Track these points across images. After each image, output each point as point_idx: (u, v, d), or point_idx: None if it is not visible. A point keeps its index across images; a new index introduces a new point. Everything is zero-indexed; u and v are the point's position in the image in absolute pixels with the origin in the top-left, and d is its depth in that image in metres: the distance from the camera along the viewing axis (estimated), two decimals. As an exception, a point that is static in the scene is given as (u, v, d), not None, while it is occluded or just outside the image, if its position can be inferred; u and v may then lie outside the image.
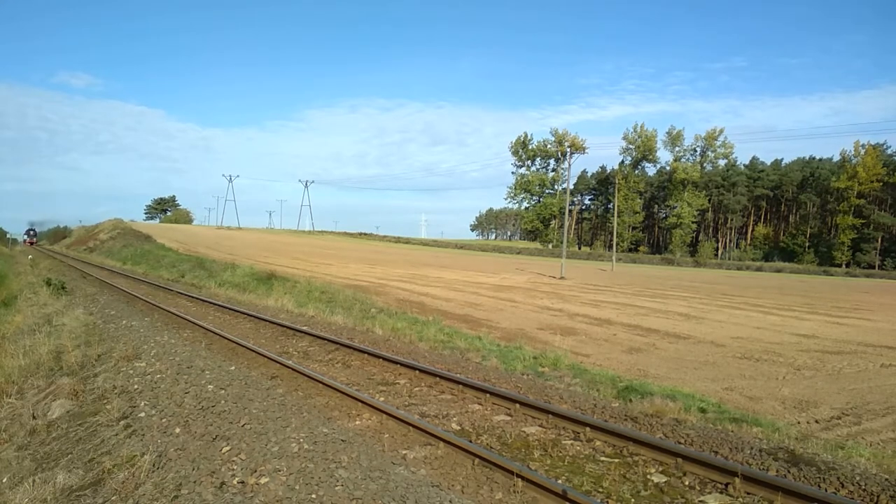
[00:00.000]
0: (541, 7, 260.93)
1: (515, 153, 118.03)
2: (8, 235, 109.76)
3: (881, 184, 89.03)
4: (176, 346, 11.22)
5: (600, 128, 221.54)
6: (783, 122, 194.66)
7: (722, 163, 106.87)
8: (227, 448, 5.82)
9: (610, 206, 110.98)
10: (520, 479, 5.36)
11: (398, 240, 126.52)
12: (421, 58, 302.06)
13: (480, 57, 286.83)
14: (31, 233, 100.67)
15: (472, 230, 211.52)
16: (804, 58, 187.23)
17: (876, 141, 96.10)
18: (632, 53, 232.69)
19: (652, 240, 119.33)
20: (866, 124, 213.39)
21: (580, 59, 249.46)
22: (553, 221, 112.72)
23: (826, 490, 5.44)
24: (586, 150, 67.84)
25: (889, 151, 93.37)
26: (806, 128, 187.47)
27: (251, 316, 16.08)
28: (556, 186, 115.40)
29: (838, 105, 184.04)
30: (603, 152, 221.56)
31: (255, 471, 5.28)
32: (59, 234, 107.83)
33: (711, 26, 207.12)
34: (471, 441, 6.51)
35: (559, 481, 5.57)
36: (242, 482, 5.05)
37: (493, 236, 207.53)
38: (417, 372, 9.77)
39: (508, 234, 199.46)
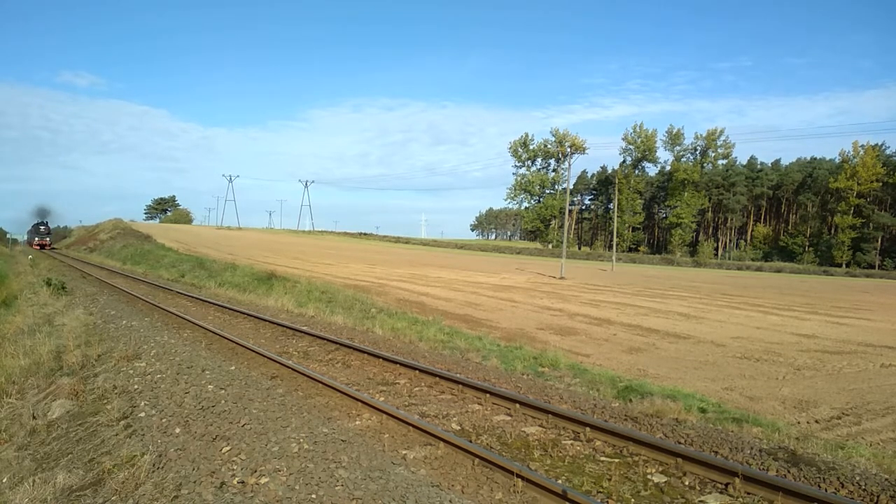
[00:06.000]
0: (546, 7, 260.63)
1: (515, 153, 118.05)
2: (8, 235, 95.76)
3: (881, 184, 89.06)
4: (176, 346, 11.22)
5: (604, 128, 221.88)
6: (787, 122, 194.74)
7: (722, 163, 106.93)
8: (228, 448, 5.82)
9: (610, 206, 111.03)
10: (520, 479, 5.36)
11: (398, 240, 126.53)
12: (426, 57, 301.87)
13: (485, 57, 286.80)
14: (43, 228, 71.30)
15: (473, 230, 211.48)
16: (809, 57, 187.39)
17: (880, 141, 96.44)
18: (637, 53, 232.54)
19: (652, 240, 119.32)
20: (870, 124, 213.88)
21: (585, 59, 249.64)
22: (553, 221, 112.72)
23: (826, 490, 5.44)
24: (586, 151, 68.10)
25: (888, 151, 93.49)
26: (810, 128, 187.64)
27: (251, 316, 16.08)
28: (556, 186, 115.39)
29: (842, 105, 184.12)
30: (604, 152, 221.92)
31: (256, 471, 5.28)
32: (60, 234, 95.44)
33: (717, 26, 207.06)
34: (471, 441, 6.51)
35: (559, 481, 5.57)
36: (242, 482, 5.05)
37: (494, 236, 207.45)
38: (417, 372, 9.77)
39: (508, 234, 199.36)
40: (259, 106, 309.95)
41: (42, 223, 72.21)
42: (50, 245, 70.10)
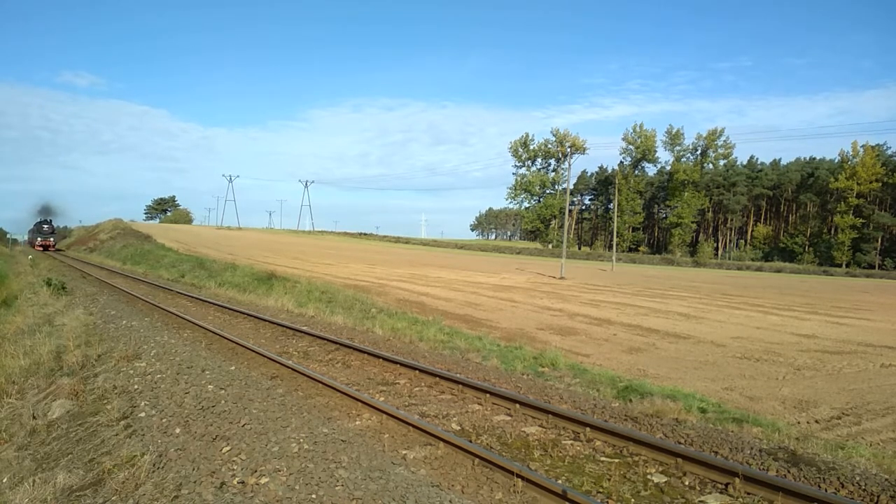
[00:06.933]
0: (546, 7, 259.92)
1: (515, 153, 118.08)
2: (8, 236, 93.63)
3: (880, 184, 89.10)
4: (176, 346, 11.22)
5: (604, 128, 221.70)
6: (787, 122, 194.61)
7: (722, 163, 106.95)
8: (228, 448, 5.82)
9: (610, 206, 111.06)
10: (520, 480, 5.36)
11: (398, 240, 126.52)
12: (426, 57, 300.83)
13: (485, 57, 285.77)
14: (46, 228, 65.95)
15: (472, 230, 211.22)
16: (809, 57, 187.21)
17: (880, 141, 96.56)
18: (637, 53, 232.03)
19: (652, 240, 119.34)
20: (870, 124, 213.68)
21: (585, 58, 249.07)
22: (553, 221, 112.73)
23: (826, 490, 5.45)
24: (587, 150, 68.37)
25: (889, 152, 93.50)
26: (810, 128, 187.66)
27: (251, 316, 16.08)
28: (556, 186, 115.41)
29: (843, 105, 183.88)
30: (604, 152, 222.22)
31: (256, 471, 5.28)
32: (60, 234, 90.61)
33: (717, 26, 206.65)
34: (471, 441, 6.51)
35: (559, 481, 5.57)
36: (242, 482, 5.05)
37: (493, 236, 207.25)
38: (417, 372, 9.77)
39: (508, 234, 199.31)
40: (259, 106, 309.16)
41: (45, 222, 67.06)
42: (54, 246, 64.47)
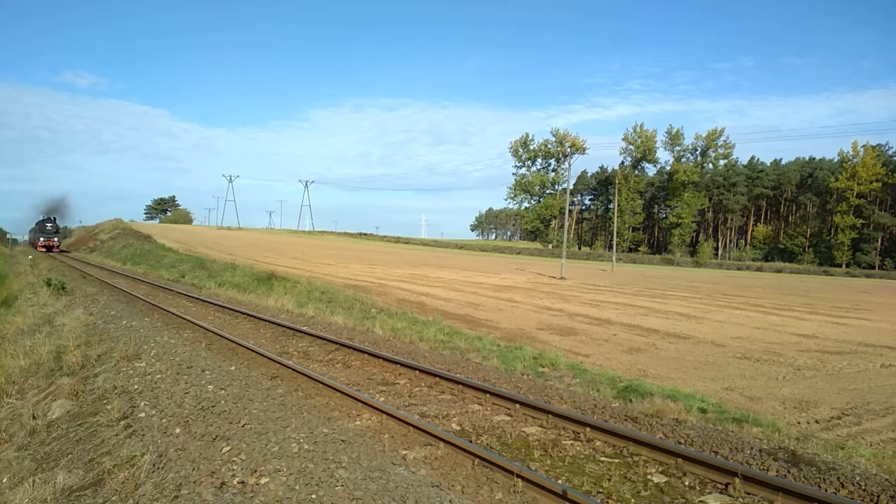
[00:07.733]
0: (546, 7, 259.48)
1: (515, 153, 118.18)
2: (8, 236, 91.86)
3: (880, 184, 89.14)
4: (176, 346, 11.22)
5: (605, 128, 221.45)
6: (788, 122, 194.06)
7: (722, 163, 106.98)
8: (228, 448, 5.82)
9: (610, 206, 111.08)
10: (520, 480, 5.36)
11: (398, 240, 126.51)
12: (426, 57, 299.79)
13: (486, 57, 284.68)
14: (50, 226, 60.53)
15: (473, 230, 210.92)
16: (810, 57, 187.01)
17: (880, 141, 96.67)
18: (638, 53, 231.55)
19: (652, 240, 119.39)
20: (870, 124, 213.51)
21: (586, 58, 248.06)
22: (553, 221, 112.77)
23: (826, 490, 5.44)
24: (587, 151, 68.29)
25: (889, 152, 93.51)
26: (810, 128, 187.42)
27: (251, 316, 16.08)
28: (556, 186, 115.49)
29: (843, 105, 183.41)
30: (605, 152, 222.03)
31: (256, 471, 5.28)
32: (61, 233, 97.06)
33: (718, 26, 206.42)
34: (471, 441, 6.51)
35: (559, 481, 5.57)
36: (242, 482, 5.05)
37: (494, 236, 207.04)
38: (417, 372, 9.77)
39: (508, 234, 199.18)
40: (259, 106, 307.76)
41: (49, 220, 61.28)
42: (58, 247, 59.49)
